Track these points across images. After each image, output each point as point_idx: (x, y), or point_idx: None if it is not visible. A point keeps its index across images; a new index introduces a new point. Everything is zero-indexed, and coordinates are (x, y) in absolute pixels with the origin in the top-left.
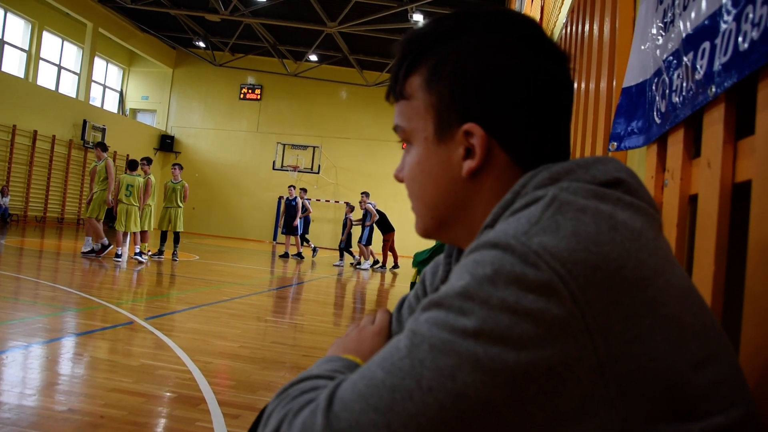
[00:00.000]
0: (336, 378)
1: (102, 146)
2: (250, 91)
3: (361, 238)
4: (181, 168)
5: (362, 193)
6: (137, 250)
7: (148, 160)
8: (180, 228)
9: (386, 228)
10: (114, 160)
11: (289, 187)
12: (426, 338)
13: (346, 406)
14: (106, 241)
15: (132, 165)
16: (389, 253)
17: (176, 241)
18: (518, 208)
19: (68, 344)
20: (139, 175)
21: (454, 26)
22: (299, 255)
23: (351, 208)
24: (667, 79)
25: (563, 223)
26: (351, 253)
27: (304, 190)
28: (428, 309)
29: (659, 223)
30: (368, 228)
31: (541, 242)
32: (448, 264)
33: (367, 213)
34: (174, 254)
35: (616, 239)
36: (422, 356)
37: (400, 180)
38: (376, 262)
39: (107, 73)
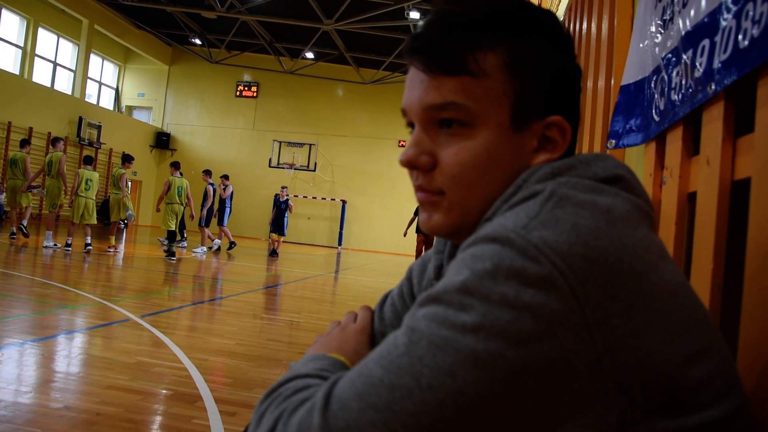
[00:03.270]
0: (325, 377)
1: (56, 140)
2: (246, 88)
3: (199, 220)
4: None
5: (203, 172)
6: (88, 241)
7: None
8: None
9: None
10: (110, 157)
11: (221, 177)
12: (425, 335)
13: (344, 405)
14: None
15: (88, 160)
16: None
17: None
18: (516, 201)
19: (64, 341)
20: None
21: (526, 15)
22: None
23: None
24: (666, 76)
25: (562, 218)
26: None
27: (225, 177)
28: (426, 304)
29: (653, 220)
30: (206, 210)
31: (540, 236)
32: (439, 260)
33: (205, 193)
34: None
35: (613, 234)
36: (421, 353)
37: (414, 165)
38: (181, 239)
39: (103, 69)
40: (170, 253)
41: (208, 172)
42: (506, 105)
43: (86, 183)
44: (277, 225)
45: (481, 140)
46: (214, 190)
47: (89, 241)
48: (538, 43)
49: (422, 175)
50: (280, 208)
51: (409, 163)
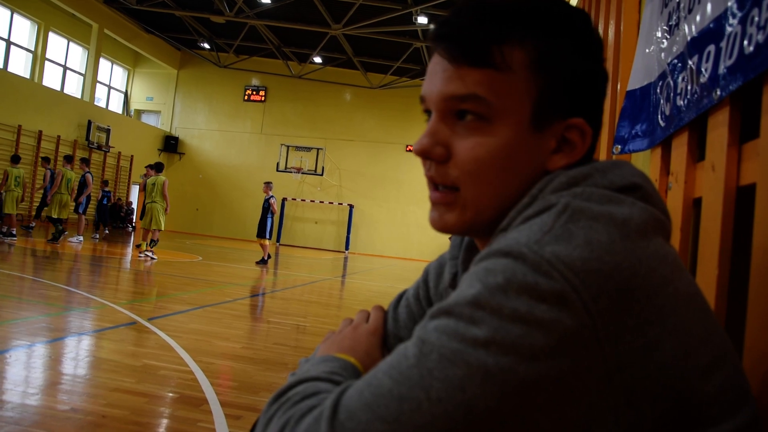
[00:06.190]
0: (335, 380)
1: None
2: (254, 92)
3: (77, 207)
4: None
5: (80, 160)
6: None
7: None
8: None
9: None
10: (118, 161)
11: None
12: (435, 347)
13: (352, 415)
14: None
15: (15, 159)
16: None
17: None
18: (531, 214)
19: (71, 344)
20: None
21: (558, 14)
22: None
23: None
24: (671, 82)
25: (576, 232)
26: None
27: (84, 161)
28: (437, 317)
29: (669, 231)
30: (84, 198)
31: (554, 251)
32: (454, 266)
33: (83, 182)
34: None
35: (628, 247)
36: (431, 366)
37: (428, 155)
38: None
39: (112, 73)
40: (55, 238)
41: (85, 160)
42: (528, 103)
43: (15, 180)
44: (259, 228)
45: (499, 137)
46: (92, 179)
47: (14, 232)
48: (566, 42)
49: (435, 166)
50: (263, 207)
51: (423, 153)
